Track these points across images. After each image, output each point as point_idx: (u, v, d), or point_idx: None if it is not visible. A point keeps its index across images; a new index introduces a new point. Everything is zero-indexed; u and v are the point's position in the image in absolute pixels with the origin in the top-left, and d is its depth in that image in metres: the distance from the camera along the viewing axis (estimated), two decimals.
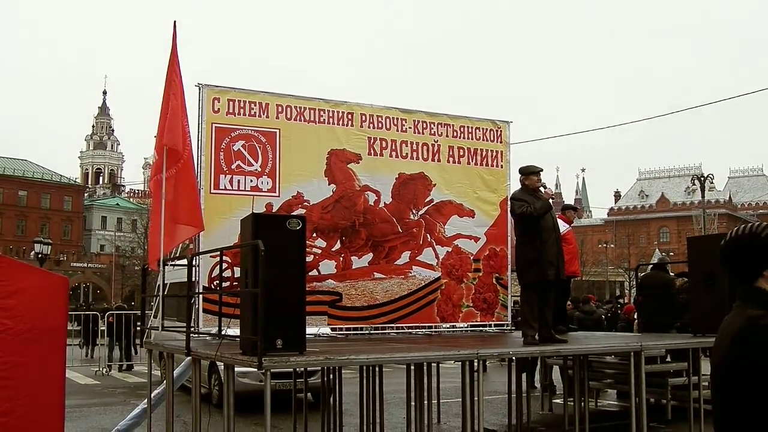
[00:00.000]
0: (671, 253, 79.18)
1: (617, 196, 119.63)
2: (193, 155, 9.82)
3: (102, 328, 24.21)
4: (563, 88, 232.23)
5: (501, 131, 12.56)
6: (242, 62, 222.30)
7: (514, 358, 11.62)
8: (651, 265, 15.31)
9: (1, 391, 6.87)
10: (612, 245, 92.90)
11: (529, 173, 9.94)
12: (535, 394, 14.70)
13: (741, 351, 2.73)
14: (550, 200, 9.91)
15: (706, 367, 12.01)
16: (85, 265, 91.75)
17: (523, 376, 12.13)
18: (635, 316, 17.26)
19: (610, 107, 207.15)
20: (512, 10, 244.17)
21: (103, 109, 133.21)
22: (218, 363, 10.65)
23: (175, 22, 9.89)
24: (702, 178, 45.70)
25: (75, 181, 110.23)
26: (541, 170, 10.04)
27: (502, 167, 12.48)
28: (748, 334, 2.74)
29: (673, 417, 11.66)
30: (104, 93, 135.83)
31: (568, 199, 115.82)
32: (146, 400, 10.55)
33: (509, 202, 10.45)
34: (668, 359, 12.33)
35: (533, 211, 9.51)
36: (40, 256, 37.52)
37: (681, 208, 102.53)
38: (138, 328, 23.47)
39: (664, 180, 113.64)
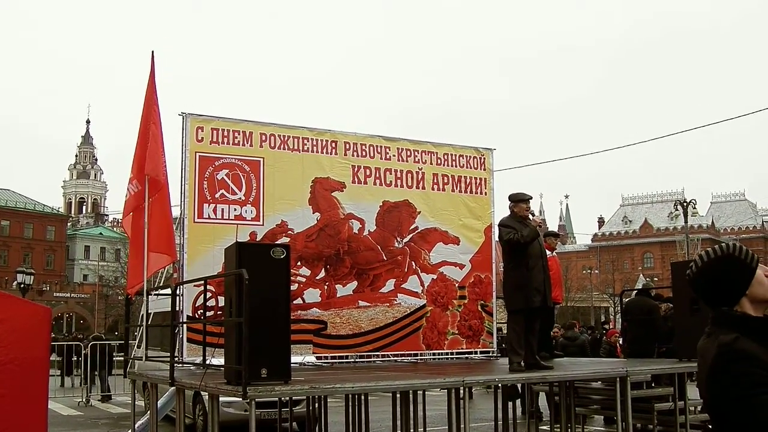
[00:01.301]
0: (655, 279, 79.53)
1: (601, 221, 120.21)
2: (168, 184, 9.86)
3: (80, 358, 24.09)
4: (546, 115, 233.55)
5: (485, 158, 12.61)
6: (222, 85, 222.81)
7: (500, 385, 11.59)
8: (635, 291, 15.33)
9: None
10: (596, 271, 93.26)
11: (518, 200, 9.96)
12: (522, 420, 14.65)
13: (721, 384, 2.73)
14: (538, 228, 9.93)
15: (692, 391, 12.00)
16: (69, 295, 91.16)
17: (509, 403, 12.09)
18: (619, 341, 17.28)
19: (593, 134, 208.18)
20: (488, 36, 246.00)
21: (87, 138, 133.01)
22: (203, 393, 10.57)
23: (153, 52, 9.97)
24: (685, 204, 45.93)
25: (58, 211, 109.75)
26: (530, 198, 10.08)
27: (486, 194, 12.52)
28: (724, 362, 2.73)
29: None
30: (87, 122, 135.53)
31: (552, 225, 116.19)
32: (130, 431, 10.46)
33: (497, 229, 10.46)
34: (653, 384, 12.32)
35: (521, 238, 9.52)
36: (22, 286, 37.27)
37: (664, 233, 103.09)
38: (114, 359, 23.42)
39: (647, 205, 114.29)
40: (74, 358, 26.84)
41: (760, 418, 2.60)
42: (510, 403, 12.01)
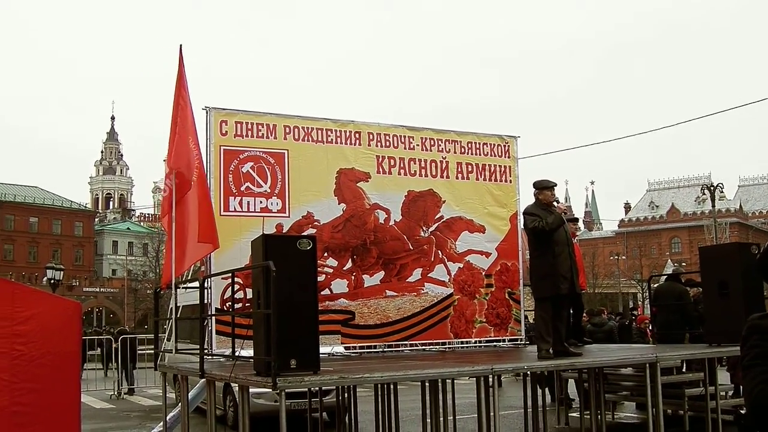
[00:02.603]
0: (683, 264, 78.91)
1: (627, 207, 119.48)
2: (206, 175, 9.84)
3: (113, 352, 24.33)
4: (571, 101, 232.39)
5: (509, 146, 12.57)
6: (248, 82, 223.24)
7: (528, 372, 11.59)
8: (665, 276, 15.25)
9: (16, 418, 6.89)
10: (623, 257, 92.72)
11: (543, 188, 9.93)
12: (552, 407, 14.63)
13: (740, 357, 2.80)
14: (563, 214, 9.89)
15: (722, 376, 11.96)
16: (98, 289, 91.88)
17: (538, 390, 12.08)
18: (649, 327, 17.20)
19: (619, 119, 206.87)
20: (512, 21, 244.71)
21: (112, 135, 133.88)
22: (233, 384, 10.65)
23: (181, 45, 9.93)
24: (712, 188, 45.56)
25: (85, 207, 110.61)
26: (555, 185, 10.04)
27: (510, 182, 12.49)
28: (743, 336, 2.80)
29: (690, 428, 11.59)
30: (112, 118, 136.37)
31: (578, 211, 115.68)
32: (162, 423, 10.55)
33: (522, 217, 10.44)
34: (683, 370, 12.28)
35: (546, 225, 9.50)
36: (52, 281, 37.55)
37: (692, 218, 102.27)
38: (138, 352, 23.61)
39: (674, 190, 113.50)
40: (96, 352, 27.18)
41: (748, 388, 2.65)
42: (539, 391, 12.00)
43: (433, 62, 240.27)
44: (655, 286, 14.71)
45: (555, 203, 9.91)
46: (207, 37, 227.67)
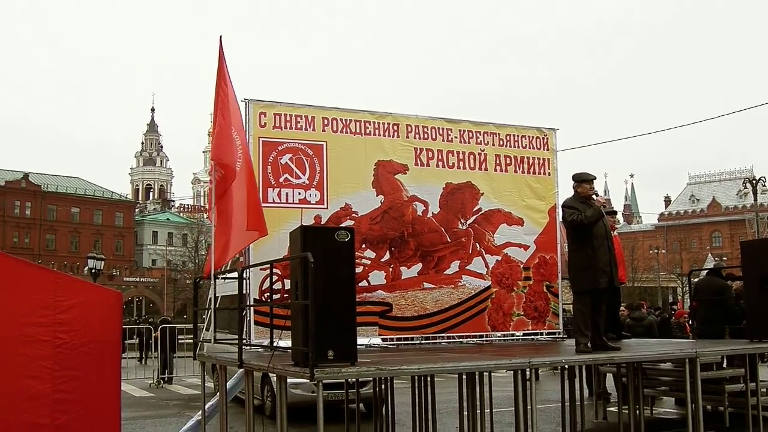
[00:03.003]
0: (725, 258, 78.12)
1: (667, 201, 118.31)
2: (251, 164, 9.87)
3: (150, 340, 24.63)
4: (610, 93, 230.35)
5: (548, 138, 12.50)
6: (286, 73, 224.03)
7: (566, 366, 11.54)
8: (705, 270, 15.10)
9: (59, 405, 6.99)
10: (663, 251, 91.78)
11: (582, 180, 9.87)
12: (589, 402, 14.56)
13: None
14: (602, 208, 9.82)
15: (764, 372, 11.82)
16: (138, 279, 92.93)
17: (576, 383, 12.01)
18: (688, 322, 17.04)
19: (659, 112, 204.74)
20: (548, 15, 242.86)
21: (152, 126, 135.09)
22: (271, 374, 10.71)
23: (221, 36, 9.96)
24: (754, 181, 44.98)
25: (126, 198, 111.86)
26: (594, 178, 9.96)
27: (549, 175, 12.42)
28: None
29: (730, 424, 11.49)
30: (152, 110, 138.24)
31: (618, 205, 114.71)
32: (200, 412, 10.65)
33: (561, 210, 10.38)
34: (724, 365, 12.15)
35: (584, 218, 9.44)
36: (93, 271, 37.95)
37: (733, 212, 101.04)
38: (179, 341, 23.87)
39: (715, 184, 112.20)
40: (134, 341, 27.49)
41: None
42: (577, 385, 11.94)
43: (472, 52, 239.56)
44: (696, 280, 14.57)
45: (594, 196, 9.83)
46: (247, 28, 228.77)
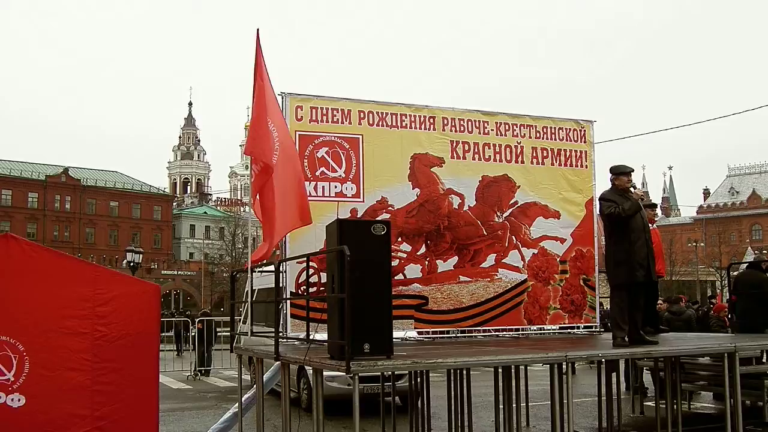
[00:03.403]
0: (764, 251, 77.08)
1: (706, 193, 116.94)
2: (293, 154, 9.85)
3: (192, 333, 24.80)
4: (648, 84, 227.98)
5: (585, 131, 12.42)
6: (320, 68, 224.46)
7: (603, 360, 11.47)
8: (745, 264, 14.93)
9: (98, 396, 7.09)
10: (702, 244, 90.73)
11: (619, 173, 9.78)
12: (626, 396, 14.48)
13: None
14: (640, 201, 9.73)
15: None
16: (176, 272, 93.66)
17: (613, 376, 11.94)
18: (727, 316, 16.86)
19: (698, 103, 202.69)
20: (580, 6, 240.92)
21: (189, 120, 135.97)
22: (307, 367, 10.77)
23: (258, 30, 9.99)
24: None
25: (164, 191, 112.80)
26: (632, 170, 9.87)
27: (586, 167, 12.33)
28: None
29: None
30: (189, 104, 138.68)
31: (656, 197, 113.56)
32: (237, 404, 10.73)
33: (598, 203, 10.31)
34: (764, 360, 12.01)
35: (622, 211, 9.36)
36: (132, 264, 38.24)
37: None
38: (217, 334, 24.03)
39: (755, 176, 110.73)
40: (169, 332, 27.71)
41: None
42: (614, 379, 11.87)
43: (507, 44, 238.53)
44: (735, 274, 14.41)
45: (631, 189, 9.74)
46: (283, 22, 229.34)
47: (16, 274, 7.06)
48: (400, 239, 10.83)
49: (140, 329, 7.44)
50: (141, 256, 42.05)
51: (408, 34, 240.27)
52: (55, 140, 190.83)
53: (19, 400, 6.86)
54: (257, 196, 9.73)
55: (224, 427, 11.37)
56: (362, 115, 10.95)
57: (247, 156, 9.87)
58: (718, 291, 60.57)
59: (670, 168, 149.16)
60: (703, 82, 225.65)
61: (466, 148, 11.52)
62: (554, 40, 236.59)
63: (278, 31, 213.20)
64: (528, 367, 11.80)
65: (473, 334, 11.33)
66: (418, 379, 11.45)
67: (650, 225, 10.70)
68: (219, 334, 25.01)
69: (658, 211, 13.21)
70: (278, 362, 9.18)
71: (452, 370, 10.71)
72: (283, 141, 9.64)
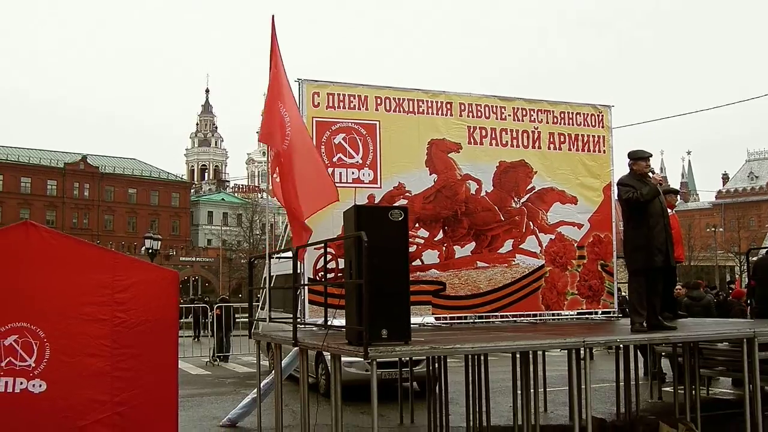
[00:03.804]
0: None
1: (725, 178, 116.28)
2: (306, 138, 9.86)
3: (210, 320, 24.91)
4: (666, 68, 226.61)
5: (602, 116, 12.36)
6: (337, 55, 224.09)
7: (621, 345, 11.45)
8: (765, 249, 14.84)
9: (118, 382, 7.14)
10: (721, 229, 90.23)
11: (638, 158, 9.72)
12: (645, 382, 14.46)
13: None
14: (659, 186, 9.67)
15: None
16: (194, 259, 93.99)
17: (631, 363, 11.92)
18: (746, 301, 16.75)
19: (717, 87, 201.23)
20: None
21: (206, 107, 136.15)
22: (325, 353, 10.80)
23: (273, 16, 9.99)
24: None
25: (182, 178, 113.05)
26: (650, 155, 9.80)
27: (604, 152, 12.28)
28: None
29: None
30: (207, 91, 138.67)
31: (674, 182, 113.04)
32: (256, 390, 10.79)
33: (616, 188, 10.26)
34: None
35: (640, 196, 9.31)
36: (150, 251, 38.42)
37: None
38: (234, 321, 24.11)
39: None
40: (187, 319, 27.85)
41: None
42: (632, 364, 11.85)
43: (525, 29, 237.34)
44: (754, 259, 14.33)
45: (650, 174, 9.69)
46: (300, 7, 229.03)
47: (36, 262, 7.11)
48: (417, 225, 10.83)
49: (159, 315, 7.48)
50: (159, 242, 42.24)
51: (425, 19, 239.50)
52: (73, 128, 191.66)
53: (40, 385, 6.93)
54: (277, 180, 9.76)
55: (243, 412, 11.46)
56: (379, 101, 10.94)
57: (262, 143, 9.91)
58: (736, 276, 60.26)
59: (688, 153, 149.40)
60: (723, 65, 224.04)
61: (484, 133, 11.50)
62: (572, 22, 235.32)
63: (295, 17, 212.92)
64: (546, 353, 11.80)
65: (491, 320, 11.34)
66: (436, 365, 11.47)
67: (669, 211, 10.66)
68: (237, 320, 25.10)
69: (678, 196, 13.14)
70: (296, 348, 9.23)
71: (470, 356, 10.71)
72: (295, 125, 9.67)
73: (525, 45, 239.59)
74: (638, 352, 14.33)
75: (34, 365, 6.94)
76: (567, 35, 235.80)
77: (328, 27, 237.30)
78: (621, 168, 10.64)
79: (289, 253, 9.68)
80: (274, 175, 9.78)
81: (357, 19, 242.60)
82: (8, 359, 6.90)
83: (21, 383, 6.90)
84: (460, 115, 11.38)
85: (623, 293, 14.41)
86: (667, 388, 13.90)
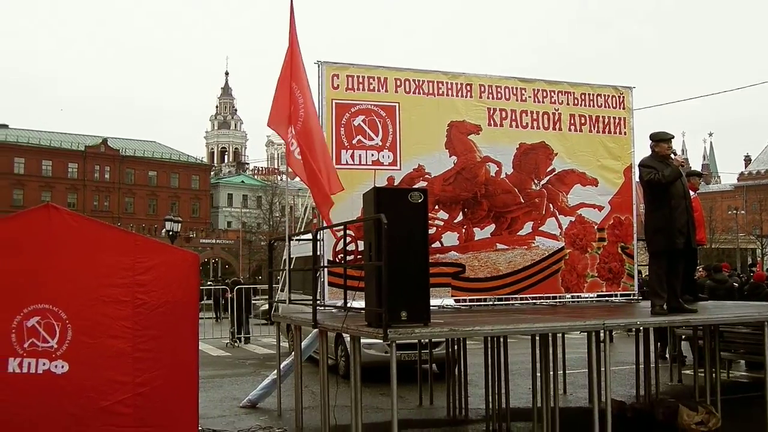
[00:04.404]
0: None
1: (747, 160, 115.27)
2: (314, 126, 9.86)
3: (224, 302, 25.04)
4: (687, 48, 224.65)
5: (624, 97, 12.28)
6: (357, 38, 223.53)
7: (641, 328, 11.41)
8: None
9: (139, 363, 7.18)
10: (742, 211, 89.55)
11: (659, 140, 9.64)
12: (664, 364, 14.42)
13: None
14: (681, 167, 9.60)
15: None
16: (214, 241, 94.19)
17: (651, 347, 11.88)
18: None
19: (739, 68, 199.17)
20: None
21: (226, 90, 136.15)
22: (344, 335, 10.83)
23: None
24: None
25: (201, 161, 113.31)
26: (672, 137, 9.73)
27: (625, 134, 12.21)
28: None
29: None
30: (226, 74, 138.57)
31: (696, 164, 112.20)
32: (276, 371, 10.85)
33: (638, 169, 10.20)
34: None
35: (662, 178, 9.24)
36: (170, 233, 38.50)
37: None
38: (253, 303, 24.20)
39: None
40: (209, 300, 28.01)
41: None
42: (652, 347, 11.81)
43: (542, 10, 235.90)
44: None
45: (672, 155, 9.62)
46: None
47: (58, 244, 7.15)
48: (437, 207, 10.82)
49: (179, 297, 7.51)
50: (179, 225, 42.39)
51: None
52: (93, 112, 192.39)
53: (62, 366, 6.98)
54: (296, 156, 9.74)
55: (263, 393, 11.52)
56: (398, 83, 10.92)
57: (270, 128, 9.92)
58: (758, 259, 59.91)
59: (710, 134, 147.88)
60: (746, 45, 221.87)
61: (504, 115, 11.46)
62: (594, 2, 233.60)
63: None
64: (565, 335, 11.78)
65: (510, 302, 11.34)
66: (455, 347, 11.48)
67: (692, 193, 10.58)
68: (254, 302, 25.17)
69: (701, 179, 13.00)
70: (316, 330, 9.26)
71: (489, 338, 10.71)
72: (309, 108, 9.70)
73: (544, 28, 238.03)
74: (655, 335, 14.29)
75: (56, 346, 6.99)
76: (588, 19, 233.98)
77: (348, 9, 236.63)
78: (642, 150, 10.59)
79: (309, 235, 9.71)
80: (292, 148, 9.76)
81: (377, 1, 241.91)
82: (31, 340, 6.95)
83: (44, 364, 6.96)
84: (480, 97, 11.34)
85: (644, 276, 14.35)
86: (687, 371, 13.86)
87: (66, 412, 6.94)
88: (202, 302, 27.15)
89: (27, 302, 6.98)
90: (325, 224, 9.80)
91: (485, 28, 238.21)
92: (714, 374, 10.57)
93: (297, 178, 10.33)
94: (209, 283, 45.41)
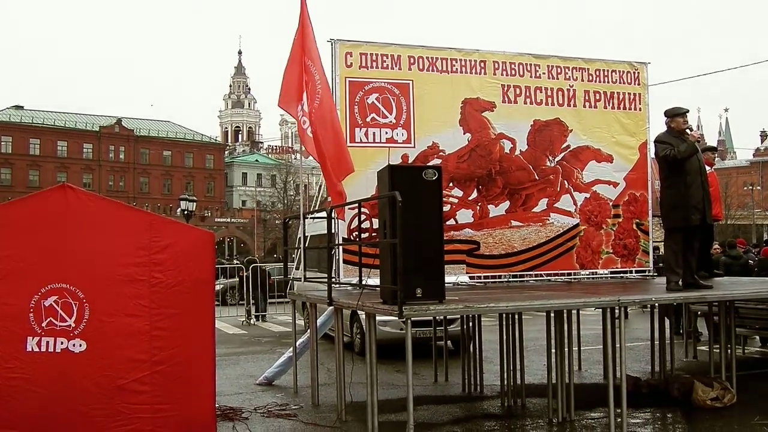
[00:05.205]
0: None
1: (763, 135, 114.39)
2: (330, 104, 9.87)
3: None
4: (703, 25, 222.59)
5: (638, 73, 12.22)
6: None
7: (656, 304, 11.40)
8: None
9: (156, 341, 7.24)
10: (758, 187, 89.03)
11: (675, 115, 9.59)
12: (679, 341, 14.39)
13: None
14: (696, 143, 9.55)
15: None
16: (229, 220, 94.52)
17: (667, 322, 11.86)
18: None
19: (754, 42, 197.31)
20: None
21: (239, 69, 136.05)
22: (360, 312, 10.87)
23: None
24: None
25: (216, 140, 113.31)
26: (687, 111, 9.67)
27: (640, 110, 12.16)
28: None
29: None
30: (239, 53, 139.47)
31: (711, 140, 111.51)
32: (291, 349, 10.89)
33: (653, 145, 10.16)
34: None
35: (677, 153, 9.19)
36: (186, 212, 38.59)
37: None
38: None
39: None
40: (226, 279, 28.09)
41: None
42: (667, 323, 11.79)
43: None
44: None
45: (687, 131, 9.57)
46: None
47: (75, 224, 7.19)
48: (451, 184, 10.82)
49: (196, 276, 7.55)
50: (194, 204, 42.49)
51: None
52: (107, 92, 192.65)
53: (80, 345, 7.04)
54: (309, 134, 9.76)
55: (279, 371, 11.58)
56: (412, 61, 10.90)
57: (281, 108, 9.94)
58: None
59: (726, 110, 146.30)
60: (759, 20, 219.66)
61: (518, 92, 11.43)
62: None
63: None
64: (580, 312, 11.78)
65: (525, 279, 11.35)
66: (470, 324, 11.50)
67: (708, 168, 10.52)
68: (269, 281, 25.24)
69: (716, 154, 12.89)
70: (331, 307, 9.29)
71: (504, 315, 10.73)
72: (324, 85, 9.71)
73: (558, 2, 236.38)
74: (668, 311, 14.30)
75: (74, 325, 7.04)
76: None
77: None
78: (657, 126, 10.53)
79: (324, 213, 9.72)
80: (305, 126, 9.77)
81: None
82: (48, 319, 7.01)
83: (61, 343, 7.02)
84: (494, 74, 11.31)
85: (660, 252, 14.31)
86: (702, 347, 13.84)
87: (84, 390, 7.00)
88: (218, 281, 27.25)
89: (44, 282, 7.03)
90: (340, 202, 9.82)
91: (510, 4, 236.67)
92: (729, 350, 10.55)
93: (311, 157, 10.34)
94: (224, 261, 45.54)
